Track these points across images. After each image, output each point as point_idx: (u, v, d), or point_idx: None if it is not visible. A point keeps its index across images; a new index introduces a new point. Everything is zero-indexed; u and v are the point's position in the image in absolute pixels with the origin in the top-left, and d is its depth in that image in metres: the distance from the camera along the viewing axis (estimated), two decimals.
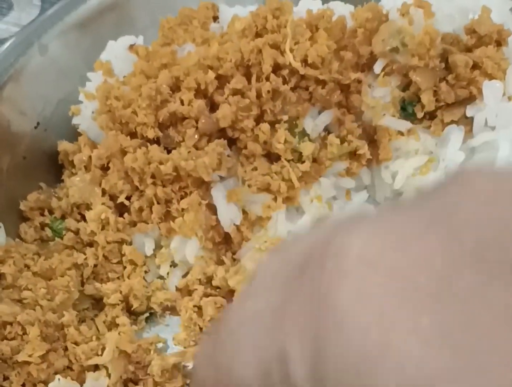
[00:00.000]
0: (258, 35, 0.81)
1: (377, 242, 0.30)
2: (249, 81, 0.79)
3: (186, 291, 0.82)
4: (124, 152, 0.81)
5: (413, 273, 0.29)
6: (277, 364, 0.33)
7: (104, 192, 0.84)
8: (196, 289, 0.80)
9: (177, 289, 0.82)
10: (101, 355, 0.76)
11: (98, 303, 0.83)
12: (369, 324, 0.29)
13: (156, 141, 0.82)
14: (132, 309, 0.82)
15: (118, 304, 0.82)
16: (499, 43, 0.84)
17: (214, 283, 0.80)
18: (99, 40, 0.91)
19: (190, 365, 0.77)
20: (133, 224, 0.84)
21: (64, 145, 0.89)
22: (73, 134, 0.90)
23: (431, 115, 0.83)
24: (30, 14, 1.07)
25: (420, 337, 0.27)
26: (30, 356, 0.73)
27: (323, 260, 0.31)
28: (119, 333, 0.78)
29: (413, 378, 0.27)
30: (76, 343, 0.77)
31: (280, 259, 0.37)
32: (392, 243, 0.30)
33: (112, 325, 0.81)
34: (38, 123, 0.89)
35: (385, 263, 0.29)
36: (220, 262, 0.82)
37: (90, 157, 0.85)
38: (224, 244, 0.83)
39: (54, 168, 0.90)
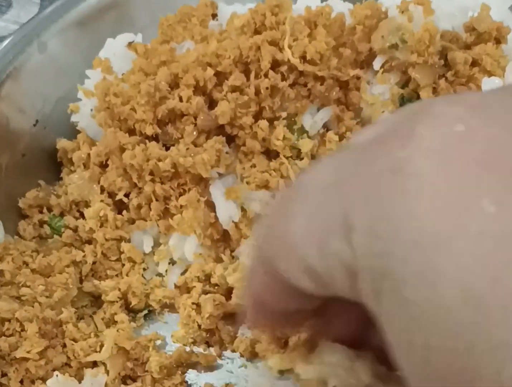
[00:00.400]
0: (256, 32, 0.81)
1: (471, 120, 0.30)
2: (247, 78, 0.79)
3: (185, 289, 0.82)
4: (122, 149, 0.81)
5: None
6: (338, 229, 0.32)
7: (102, 189, 0.84)
8: (195, 287, 0.80)
9: (176, 287, 0.82)
10: (100, 352, 0.76)
11: (96, 300, 0.83)
12: (447, 194, 0.28)
13: (155, 138, 0.81)
14: (130, 306, 0.82)
15: (117, 301, 0.81)
16: (498, 41, 0.84)
17: (212, 280, 0.79)
18: (98, 38, 0.91)
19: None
20: (132, 221, 0.84)
21: (63, 143, 0.89)
22: (72, 132, 0.90)
23: None
24: (29, 12, 1.07)
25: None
26: (28, 352, 0.73)
27: (411, 130, 0.30)
28: (117, 330, 0.77)
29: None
30: (75, 340, 0.77)
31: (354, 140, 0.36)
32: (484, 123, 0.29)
33: (111, 322, 0.80)
34: (37, 121, 0.89)
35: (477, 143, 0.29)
36: (219, 259, 0.82)
37: (89, 154, 0.85)
38: (223, 241, 0.83)
39: (53, 166, 0.90)
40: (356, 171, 0.33)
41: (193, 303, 0.80)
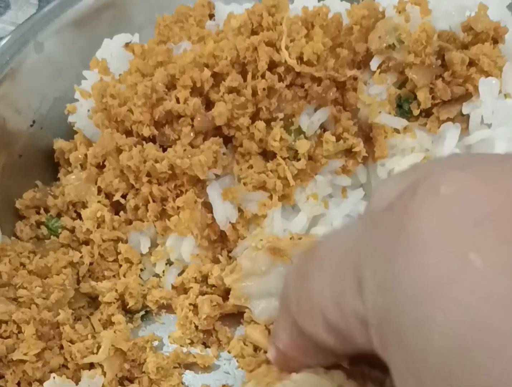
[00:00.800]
0: (253, 32, 0.81)
1: (472, 183, 0.31)
2: (244, 79, 0.79)
3: (182, 289, 0.82)
4: (119, 151, 0.81)
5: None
6: (352, 287, 0.35)
7: (100, 190, 0.84)
8: (192, 287, 0.80)
9: (173, 287, 0.82)
10: (97, 353, 0.76)
11: (93, 301, 0.83)
12: (448, 250, 0.30)
13: (152, 139, 0.81)
14: (127, 307, 0.82)
15: (114, 302, 0.81)
16: (495, 41, 0.83)
17: (209, 281, 0.79)
18: (95, 38, 0.90)
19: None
20: (129, 222, 0.84)
21: (60, 144, 0.89)
22: (69, 132, 0.90)
23: (427, 113, 0.83)
24: (27, 13, 1.07)
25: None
26: (25, 354, 0.73)
27: (413, 194, 0.33)
28: (114, 331, 0.77)
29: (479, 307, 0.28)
30: (72, 342, 0.77)
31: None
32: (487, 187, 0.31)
33: (108, 323, 0.80)
34: (34, 122, 0.89)
35: (476, 205, 0.30)
36: (216, 260, 0.82)
37: (86, 155, 0.85)
38: (220, 242, 0.83)
39: (50, 166, 0.90)
40: (366, 235, 0.36)
41: (190, 304, 0.80)
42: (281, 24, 0.80)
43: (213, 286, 0.80)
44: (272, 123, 0.80)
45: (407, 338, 0.31)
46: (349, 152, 0.82)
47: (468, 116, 0.82)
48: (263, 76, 0.79)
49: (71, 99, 0.89)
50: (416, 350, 0.30)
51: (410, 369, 0.31)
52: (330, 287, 0.38)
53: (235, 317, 0.80)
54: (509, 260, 0.29)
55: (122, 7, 0.94)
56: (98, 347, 0.76)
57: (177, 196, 0.81)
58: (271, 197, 0.81)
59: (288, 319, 0.46)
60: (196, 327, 0.79)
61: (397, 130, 0.82)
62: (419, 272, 0.30)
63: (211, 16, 0.87)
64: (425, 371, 0.30)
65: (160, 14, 0.88)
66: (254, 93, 0.79)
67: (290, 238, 0.76)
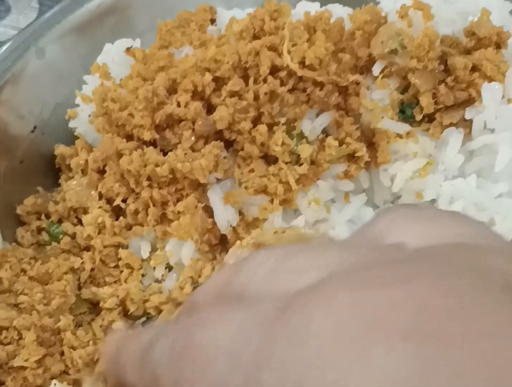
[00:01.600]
0: (255, 37, 0.81)
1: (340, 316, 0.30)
2: (246, 83, 0.79)
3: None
4: (120, 155, 0.80)
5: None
6: None
7: (100, 195, 0.84)
8: (186, 288, 0.80)
9: (171, 292, 0.82)
10: (98, 361, 0.75)
11: (95, 307, 0.83)
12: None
13: (153, 143, 0.81)
14: (128, 313, 0.81)
15: (115, 308, 0.81)
16: (498, 46, 0.83)
17: (200, 280, 0.79)
18: (97, 44, 0.91)
19: None
20: (129, 227, 0.83)
21: (61, 149, 0.88)
22: (71, 138, 0.89)
23: (430, 118, 0.82)
24: (28, 17, 1.07)
25: None
26: (26, 361, 0.72)
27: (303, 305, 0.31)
28: None
29: None
30: (73, 348, 0.76)
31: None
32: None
33: (109, 330, 0.80)
34: (35, 127, 0.89)
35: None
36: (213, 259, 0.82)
37: (87, 161, 0.85)
38: (221, 245, 0.83)
39: (51, 172, 0.90)
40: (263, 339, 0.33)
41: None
42: (283, 28, 0.80)
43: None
44: (274, 127, 0.80)
45: None
46: (351, 157, 0.82)
47: (471, 121, 0.81)
48: (265, 80, 0.79)
49: (72, 105, 0.89)
50: None
51: None
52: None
53: None
54: None
55: (124, 13, 0.94)
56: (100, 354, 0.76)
57: (178, 200, 0.81)
58: (272, 201, 0.80)
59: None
60: None
61: (399, 136, 0.81)
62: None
63: (213, 21, 0.87)
64: None
65: (162, 19, 0.88)
66: (256, 97, 0.78)
67: (274, 232, 0.76)
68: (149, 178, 0.80)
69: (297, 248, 0.39)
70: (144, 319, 0.83)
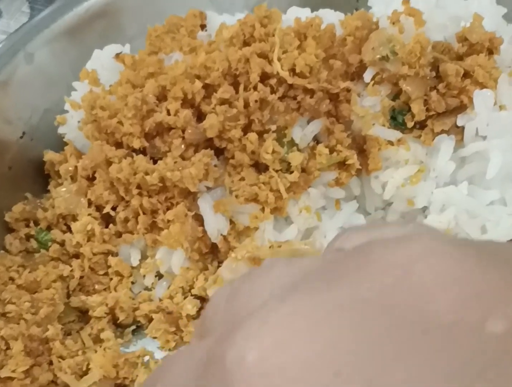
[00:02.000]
0: (245, 43, 0.80)
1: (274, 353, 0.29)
2: (236, 91, 0.78)
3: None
4: (109, 163, 0.80)
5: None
6: None
7: (90, 202, 0.83)
8: (176, 297, 0.80)
9: (161, 300, 0.81)
10: (87, 370, 0.75)
11: (84, 315, 0.82)
12: None
13: (142, 151, 0.80)
14: (118, 321, 0.81)
15: (104, 317, 0.80)
16: (491, 51, 0.83)
17: (193, 291, 0.79)
18: (86, 49, 0.89)
19: None
20: (119, 235, 0.83)
21: (50, 155, 0.88)
22: (60, 144, 0.89)
23: (421, 125, 0.82)
24: (19, 22, 1.06)
25: None
26: (13, 371, 0.72)
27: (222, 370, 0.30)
28: (104, 349, 0.76)
29: None
30: (62, 357, 0.76)
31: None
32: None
33: (98, 339, 0.79)
34: (24, 133, 0.88)
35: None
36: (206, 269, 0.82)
37: (76, 167, 0.84)
38: (211, 253, 0.82)
39: (40, 178, 0.89)
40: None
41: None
42: (273, 35, 0.79)
43: (197, 296, 0.80)
44: (265, 135, 0.79)
45: None
46: (342, 164, 0.81)
47: (462, 128, 0.81)
48: (255, 88, 0.78)
49: (61, 111, 0.88)
50: None
51: None
52: None
53: None
54: None
55: (114, 18, 0.93)
56: (88, 365, 0.75)
57: (168, 208, 0.80)
58: (263, 210, 0.80)
59: None
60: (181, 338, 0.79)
61: (391, 143, 0.81)
62: None
63: (203, 26, 0.86)
64: None
65: (153, 24, 0.87)
66: (246, 105, 0.78)
67: (270, 247, 0.76)
68: (138, 187, 0.79)
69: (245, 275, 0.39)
70: (134, 327, 0.83)
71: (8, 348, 0.73)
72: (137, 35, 0.91)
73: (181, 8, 0.88)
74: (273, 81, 0.78)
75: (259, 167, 0.81)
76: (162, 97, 0.80)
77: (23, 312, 0.75)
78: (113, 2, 0.93)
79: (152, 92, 0.79)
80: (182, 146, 0.78)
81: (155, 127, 0.79)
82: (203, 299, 0.80)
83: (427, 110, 0.80)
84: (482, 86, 0.80)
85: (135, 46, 0.88)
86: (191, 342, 0.41)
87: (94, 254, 0.82)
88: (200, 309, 0.80)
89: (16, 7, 1.07)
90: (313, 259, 0.36)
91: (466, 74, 0.81)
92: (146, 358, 0.80)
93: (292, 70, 0.78)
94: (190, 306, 0.79)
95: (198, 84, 0.78)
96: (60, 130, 0.87)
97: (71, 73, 0.89)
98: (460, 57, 0.82)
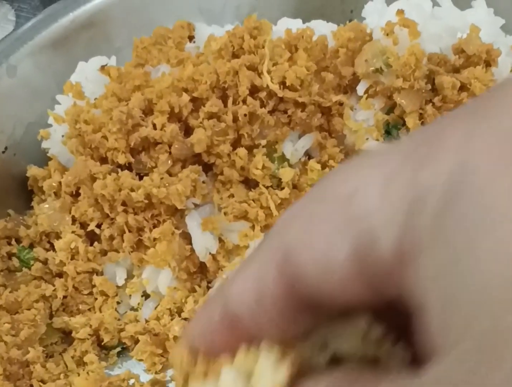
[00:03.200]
0: (234, 56, 0.78)
1: None
2: (225, 104, 0.76)
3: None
4: (94, 179, 0.77)
5: None
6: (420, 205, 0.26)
7: (74, 219, 0.81)
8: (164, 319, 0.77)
9: (147, 322, 0.79)
10: None
11: (67, 336, 0.79)
12: None
13: (128, 167, 0.78)
14: (103, 343, 0.78)
15: (88, 339, 0.78)
16: (488, 64, 0.80)
17: (183, 315, 0.76)
18: (72, 61, 0.87)
19: None
20: (104, 253, 0.80)
21: (33, 171, 0.85)
22: (44, 159, 0.86)
23: None
24: (5, 30, 1.03)
25: None
26: None
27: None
28: (87, 372, 0.74)
29: None
30: (43, 381, 0.73)
31: None
32: None
33: (81, 361, 0.77)
34: (6, 148, 0.86)
35: None
36: (194, 291, 0.79)
37: (60, 183, 0.81)
38: (200, 273, 0.80)
39: (24, 194, 0.86)
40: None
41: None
42: (263, 47, 0.77)
43: (187, 319, 0.77)
44: (255, 150, 0.77)
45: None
46: None
47: None
48: (244, 101, 0.76)
49: (46, 124, 0.85)
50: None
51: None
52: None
53: None
54: None
55: (101, 28, 0.91)
56: None
57: (154, 226, 0.78)
58: (253, 227, 0.77)
59: (267, 258, 0.29)
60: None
61: None
62: None
63: (191, 38, 0.83)
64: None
65: (140, 34, 0.85)
66: (235, 119, 0.75)
67: None
68: (124, 203, 0.77)
69: None
70: (119, 349, 0.80)
71: None
72: (125, 45, 0.88)
73: (170, 18, 0.86)
74: (262, 95, 0.76)
75: (249, 183, 0.79)
76: (148, 111, 0.78)
77: (2, 333, 0.73)
78: (99, 12, 0.91)
79: (138, 106, 0.76)
80: (169, 161, 0.76)
81: (141, 142, 0.76)
82: None
83: (423, 124, 0.78)
84: None
85: (123, 56, 0.86)
86: None
87: (78, 273, 0.79)
88: None
89: (1, 15, 1.05)
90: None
91: (463, 87, 0.79)
92: (132, 381, 0.77)
93: (283, 83, 0.76)
94: (177, 328, 0.77)
95: (186, 97, 0.76)
96: (44, 145, 0.85)
97: (56, 85, 0.86)
98: (456, 70, 0.80)
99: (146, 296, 0.80)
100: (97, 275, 0.80)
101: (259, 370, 0.29)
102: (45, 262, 0.81)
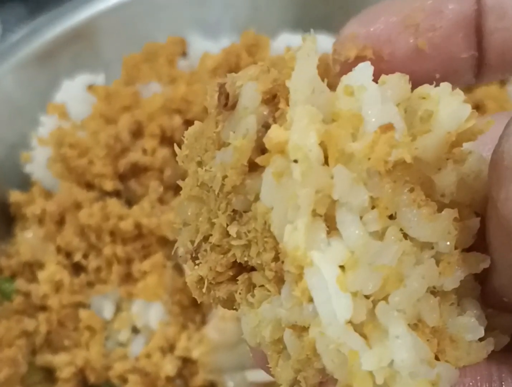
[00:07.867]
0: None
1: None
2: None
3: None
4: (79, 207, 0.72)
5: None
6: None
7: (59, 249, 0.76)
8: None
9: (137, 359, 0.74)
10: None
11: (51, 374, 0.74)
12: None
13: (116, 194, 0.73)
14: (89, 383, 0.73)
15: (72, 378, 0.73)
16: (503, 82, 0.76)
17: (177, 353, 0.71)
18: (57, 77, 0.82)
19: None
20: (91, 285, 0.75)
21: (16, 196, 0.80)
22: (27, 180, 0.81)
23: None
24: None
25: None
26: None
27: None
28: None
29: None
30: None
31: None
32: None
33: None
34: None
35: None
36: (187, 327, 0.74)
37: (44, 210, 0.76)
38: (194, 307, 0.75)
39: (6, 219, 0.81)
40: None
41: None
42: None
43: (180, 358, 0.72)
44: None
45: None
46: None
47: None
48: None
49: (28, 146, 0.80)
50: None
51: None
52: None
53: None
54: None
55: (88, 41, 0.85)
56: None
57: (145, 256, 0.73)
58: None
59: None
60: None
61: None
62: None
63: (184, 53, 0.78)
64: None
65: (131, 47, 0.80)
66: None
67: None
68: (112, 234, 0.72)
69: None
70: None
71: None
72: (114, 59, 0.83)
73: (162, 30, 0.81)
74: None
75: None
76: (138, 134, 0.73)
77: None
78: (88, 23, 0.85)
79: (126, 128, 0.71)
80: (160, 189, 0.72)
81: (130, 168, 0.72)
82: (186, 360, 0.72)
83: None
84: None
85: (112, 71, 0.81)
86: None
87: (63, 307, 0.75)
88: (181, 369, 0.72)
89: None
90: None
91: (477, 107, 0.74)
92: None
93: None
94: (170, 367, 0.72)
95: (178, 120, 0.71)
96: (27, 168, 0.80)
97: (38, 104, 0.81)
98: (469, 89, 0.75)
99: (135, 331, 0.75)
100: (83, 308, 0.75)
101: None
102: (27, 295, 0.76)
